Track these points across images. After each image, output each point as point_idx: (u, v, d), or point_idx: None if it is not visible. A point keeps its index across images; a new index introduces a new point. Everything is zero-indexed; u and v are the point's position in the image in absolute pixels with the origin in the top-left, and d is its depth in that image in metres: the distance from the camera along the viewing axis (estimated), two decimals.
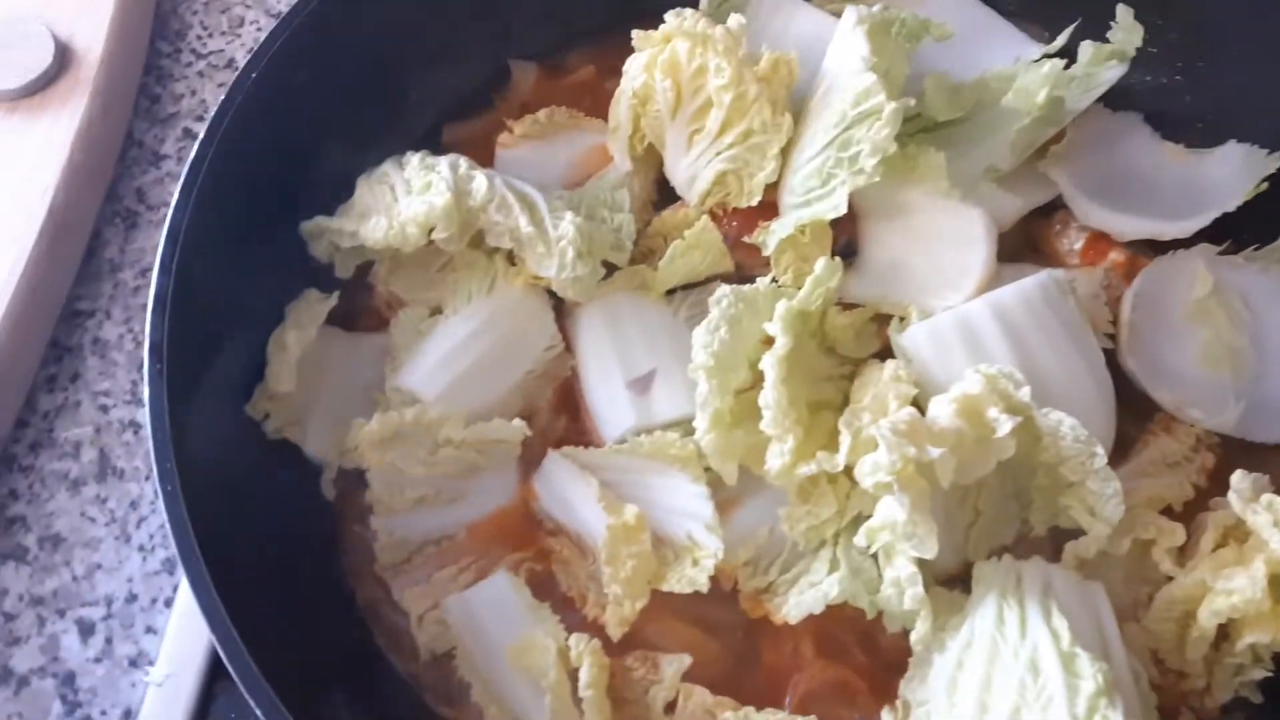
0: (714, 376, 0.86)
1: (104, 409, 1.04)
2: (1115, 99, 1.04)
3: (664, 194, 1.04)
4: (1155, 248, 0.98)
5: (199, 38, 1.26)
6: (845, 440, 0.82)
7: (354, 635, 0.89)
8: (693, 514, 0.87)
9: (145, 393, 0.79)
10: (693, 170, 0.98)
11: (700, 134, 0.95)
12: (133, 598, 0.96)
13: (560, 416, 0.96)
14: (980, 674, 0.75)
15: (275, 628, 0.78)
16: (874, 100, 0.88)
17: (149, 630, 0.94)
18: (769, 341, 0.86)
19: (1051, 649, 0.72)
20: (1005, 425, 0.78)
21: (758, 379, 0.85)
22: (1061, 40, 1.00)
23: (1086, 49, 0.96)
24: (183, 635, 0.93)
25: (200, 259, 0.85)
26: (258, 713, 0.71)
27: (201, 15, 1.28)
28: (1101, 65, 0.95)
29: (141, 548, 0.98)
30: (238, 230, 0.90)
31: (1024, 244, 1.02)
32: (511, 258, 0.96)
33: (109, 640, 0.94)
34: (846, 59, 0.92)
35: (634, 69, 0.96)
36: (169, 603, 0.95)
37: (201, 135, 0.88)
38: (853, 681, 0.85)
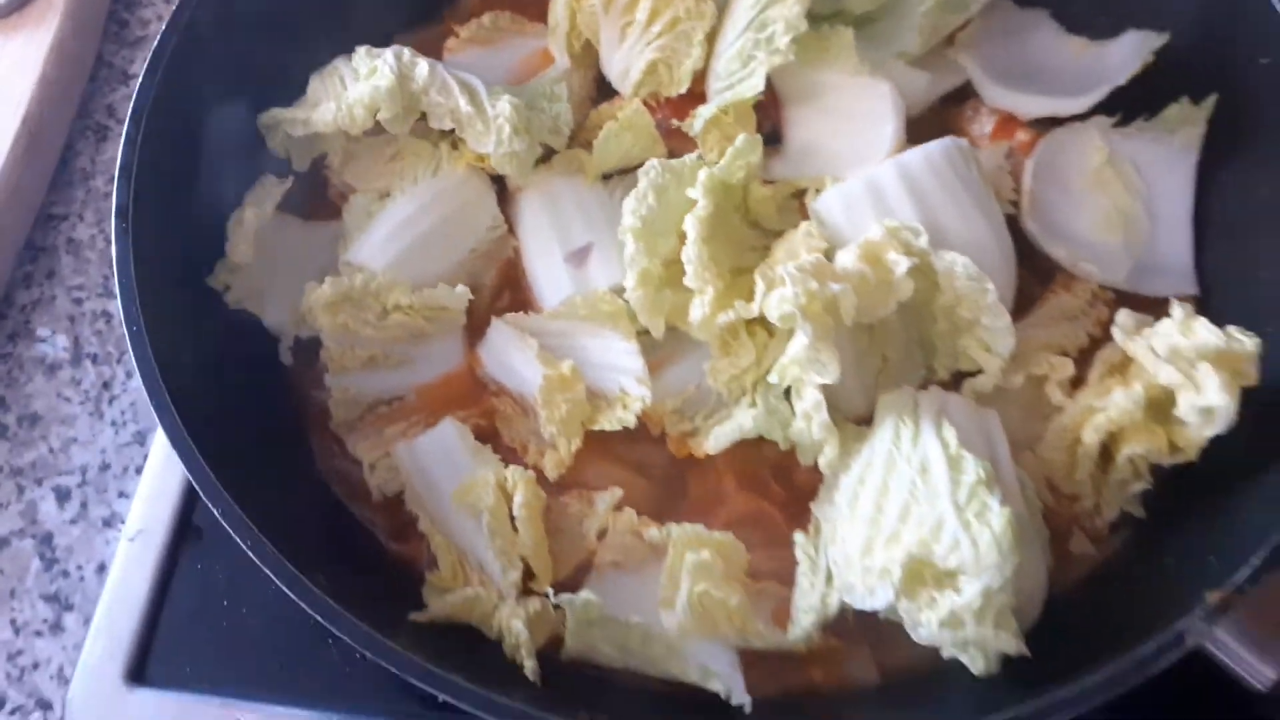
0: (641, 238, 0.93)
1: (78, 301, 1.11)
2: None
3: (603, 92, 1.11)
4: (1057, 126, 1.05)
5: None
6: (760, 287, 0.88)
7: (314, 488, 0.96)
8: (624, 369, 0.94)
9: (113, 251, 0.85)
10: (626, 62, 1.05)
11: (631, 26, 1.02)
12: (105, 466, 1.02)
13: (504, 293, 1.03)
14: (878, 483, 0.82)
15: (245, 475, 0.84)
16: None
17: (121, 495, 1.01)
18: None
19: (940, 453, 0.79)
20: (903, 265, 0.85)
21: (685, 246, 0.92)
22: None
23: None
24: (153, 496, 0.99)
25: (162, 140, 0.92)
26: (237, 540, 0.77)
27: None
28: None
29: (114, 423, 1.04)
30: (198, 118, 0.97)
31: (940, 131, 1.09)
32: (455, 144, 1.03)
33: (84, 504, 1.00)
34: None
35: None
36: (139, 470, 1.02)
37: (163, 29, 0.94)
38: (769, 511, 0.91)
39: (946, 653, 0.78)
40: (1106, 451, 0.88)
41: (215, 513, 0.76)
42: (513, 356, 0.96)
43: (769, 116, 1.05)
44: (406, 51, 0.99)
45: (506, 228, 1.04)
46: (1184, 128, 1.02)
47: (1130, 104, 1.03)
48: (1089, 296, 0.98)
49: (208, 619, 0.95)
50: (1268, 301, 0.95)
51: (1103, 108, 1.03)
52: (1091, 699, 0.71)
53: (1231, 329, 0.81)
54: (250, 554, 0.75)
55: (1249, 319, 0.93)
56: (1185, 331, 0.81)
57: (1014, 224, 0.99)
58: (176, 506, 0.99)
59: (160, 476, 1.00)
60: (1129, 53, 1.05)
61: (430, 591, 0.87)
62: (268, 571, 0.74)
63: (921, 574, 0.77)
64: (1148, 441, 0.84)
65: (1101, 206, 1.01)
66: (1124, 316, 0.88)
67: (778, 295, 0.84)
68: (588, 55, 1.09)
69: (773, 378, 0.88)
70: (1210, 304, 1.00)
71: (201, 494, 0.77)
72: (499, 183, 1.04)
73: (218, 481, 0.78)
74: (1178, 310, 0.82)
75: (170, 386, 0.82)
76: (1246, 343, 0.79)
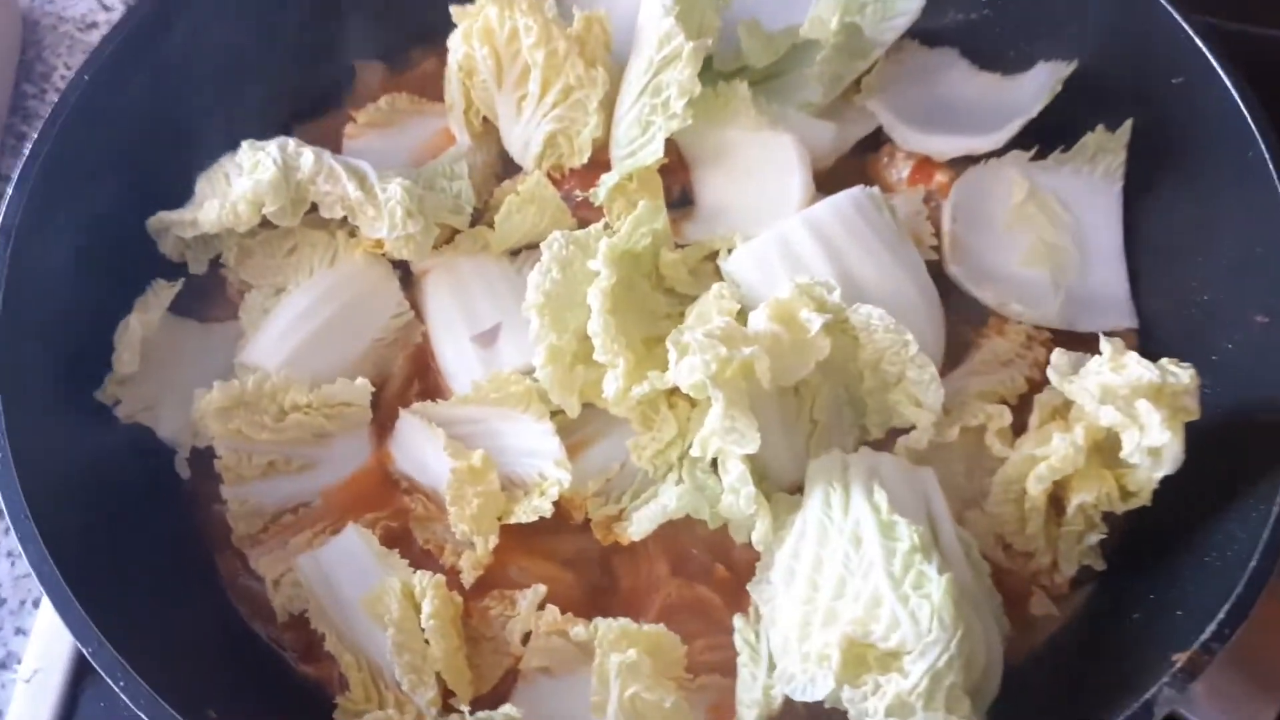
0: (547, 314, 0.88)
1: None
2: (933, 37, 1.10)
3: (510, 168, 1.08)
4: (974, 165, 1.01)
5: (63, 77, 1.30)
6: (673, 355, 0.83)
7: (219, 611, 0.89)
8: (540, 452, 0.88)
9: None
10: (525, 135, 1.01)
11: (526, 99, 0.99)
12: (0, 601, 0.95)
13: (414, 383, 0.98)
14: (811, 557, 0.76)
15: (136, 612, 0.78)
16: (675, 42, 0.92)
17: (18, 632, 0.94)
18: None
19: (871, 520, 0.74)
20: (816, 323, 0.80)
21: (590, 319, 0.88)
22: None
23: None
24: (51, 632, 0.92)
25: (38, 252, 0.87)
26: (125, 701, 0.71)
27: (65, 57, 1.31)
28: None
29: (10, 554, 0.98)
30: (77, 228, 0.92)
31: (858, 179, 1.04)
32: (353, 232, 0.98)
33: None
34: (651, 10, 0.96)
35: (455, 43, 1.00)
36: (37, 603, 0.95)
37: (35, 136, 0.90)
38: (707, 596, 0.85)
39: None
40: (1058, 502, 0.83)
41: (85, 652, 0.69)
42: (423, 449, 0.91)
43: (676, 180, 1.02)
44: (291, 142, 0.95)
45: (412, 313, 0.99)
46: (1104, 155, 0.99)
47: (1047, 136, 1.01)
48: (1024, 339, 0.94)
49: None
50: (1212, 324, 0.91)
51: (1019, 142, 1.00)
52: None
53: (1165, 362, 0.76)
54: (121, 695, 0.68)
55: (1196, 345, 0.90)
56: (1116, 368, 0.76)
57: (938, 269, 0.95)
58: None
59: None
60: (1040, 85, 1.02)
61: (342, 716, 0.80)
62: (141, 715, 0.67)
63: (863, 657, 0.71)
64: (1097, 487, 0.79)
65: (1027, 243, 0.97)
66: (1058, 357, 0.83)
67: (687, 364, 0.79)
68: (489, 132, 1.06)
69: (695, 451, 0.83)
70: (1154, 335, 0.96)
71: (69, 631, 0.70)
72: (403, 268, 1.00)
73: (88, 616, 0.72)
74: (1106, 346, 0.78)
75: (40, 517, 0.76)
76: (1183, 375, 0.75)
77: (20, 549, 0.91)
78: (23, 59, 1.31)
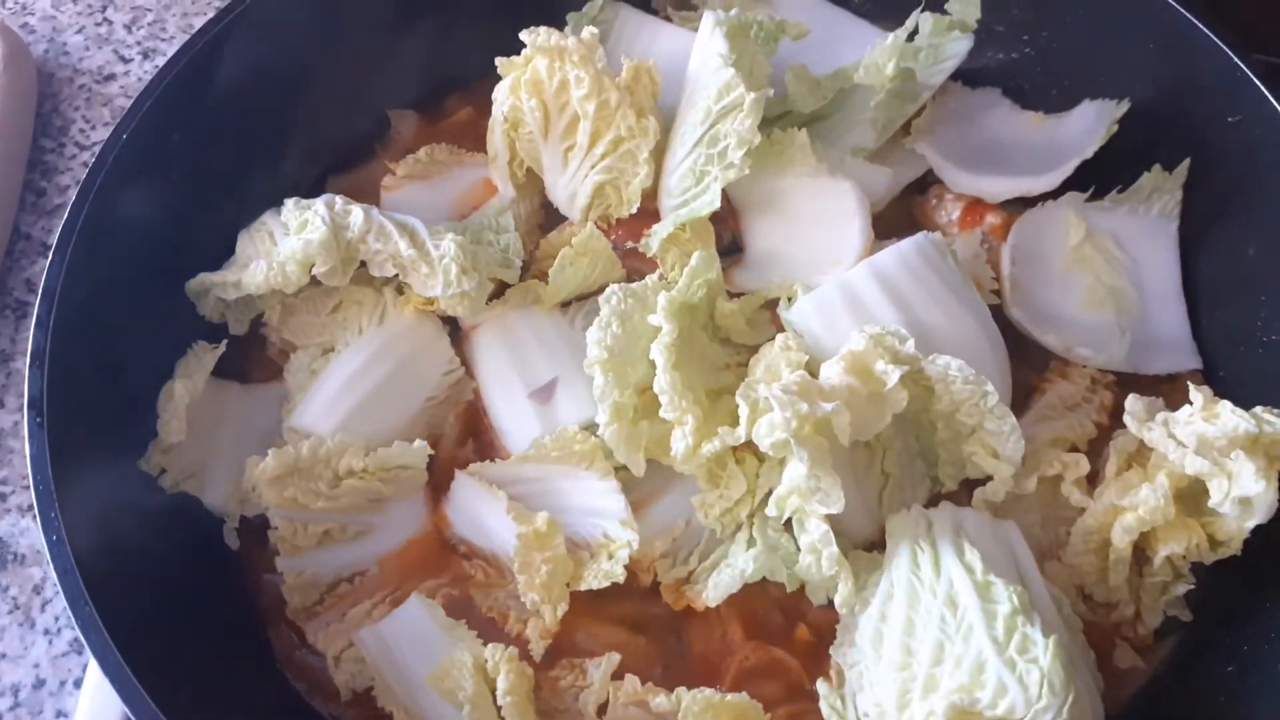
0: (610, 370, 0.86)
1: (1, 496, 1.01)
2: (974, 78, 1.09)
3: (552, 218, 1.06)
4: (1028, 206, 1.00)
5: (81, 131, 1.27)
6: (744, 411, 0.81)
7: (274, 686, 0.85)
8: (605, 511, 0.86)
9: (27, 449, 0.77)
10: (571, 187, 0.99)
11: (573, 150, 0.97)
12: (40, 683, 0.91)
13: (467, 441, 0.95)
14: (902, 620, 0.74)
15: (191, 690, 0.75)
16: (735, 93, 0.90)
17: (59, 715, 0.90)
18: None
19: (966, 581, 0.72)
20: (893, 375, 0.79)
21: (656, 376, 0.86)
22: (911, 22, 1.03)
23: (927, 20, 1.00)
24: (97, 714, 0.88)
25: (78, 316, 0.85)
26: None
27: (84, 110, 1.29)
28: (945, 37, 0.99)
29: (47, 631, 0.94)
30: (118, 289, 0.89)
31: (905, 222, 1.05)
32: (401, 288, 0.96)
33: None
34: (707, 60, 0.95)
35: (501, 94, 0.98)
36: (78, 683, 0.91)
37: (74, 197, 0.88)
38: (784, 660, 0.83)
39: None
40: (1140, 552, 0.81)
41: None
42: (482, 513, 0.88)
43: (727, 227, 1.00)
44: (338, 199, 0.93)
45: (463, 370, 0.96)
46: (1160, 195, 0.98)
47: (1100, 177, 1.00)
48: (1088, 382, 0.93)
49: None
50: (1276, 365, 0.90)
51: (1073, 183, 0.99)
52: None
53: (1259, 411, 0.75)
54: None
55: (1260, 387, 0.89)
56: (1210, 418, 0.75)
57: (998, 314, 0.94)
58: None
59: (104, 689, 0.89)
60: (1090, 124, 1.02)
61: None
62: None
63: None
64: (1185, 538, 0.77)
65: (1086, 285, 0.96)
66: (1134, 403, 0.82)
67: (767, 422, 0.77)
68: (532, 182, 1.04)
69: (771, 510, 0.80)
70: (1216, 376, 0.95)
71: (130, 714, 0.67)
72: (451, 323, 0.98)
73: (154, 703, 0.68)
74: (1197, 396, 0.76)
75: (96, 598, 0.72)
76: (1279, 424, 0.73)
77: (74, 628, 0.89)
78: (39, 112, 1.28)
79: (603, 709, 0.80)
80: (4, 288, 1.15)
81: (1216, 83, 0.93)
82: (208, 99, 0.98)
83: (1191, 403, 0.76)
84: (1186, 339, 0.96)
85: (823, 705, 0.77)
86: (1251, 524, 0.75)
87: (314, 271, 0.90)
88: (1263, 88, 0.91)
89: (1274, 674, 0.71)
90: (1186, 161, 0.98)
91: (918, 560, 0.75)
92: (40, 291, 0.84)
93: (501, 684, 0.76)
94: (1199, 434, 0.74)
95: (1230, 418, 0.74)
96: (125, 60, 1.33)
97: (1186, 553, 0.78)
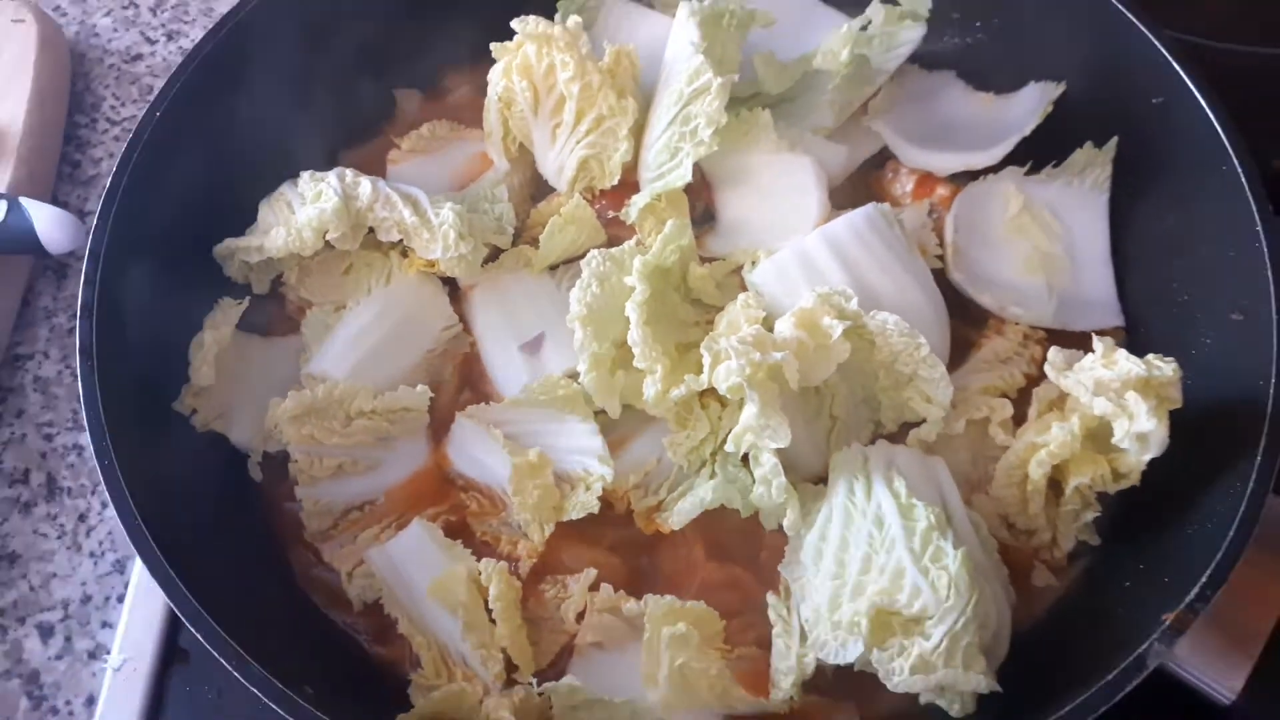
0: (589, 324, 0.96)
1: (48, 438, 1.13)
2: (930, 60, 1.19)
3: (542, 189, 1.16)
4: (975, 180, 1.11)
5: (112, 107, 1.38)
6: (707, 360, 0.92)
7: (295, 598, 0.97)
8: (585, 449, 0.97)
9: (80, 390, 0.88)
10: (559, 160, 1.10)
11: (560, 127, 1.08)
12: (87, 598, 1.03)
13: (464, 389, 1.07)
14: (838, 539, 0.85)
15: (225, 597, 0.86)
16: (704, 78, 1.01)
17: (105, 625, 1.02)
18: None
19: (892, 504, 0.83)
20: (837, 329, 0.89)
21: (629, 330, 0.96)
22: (872, 13, 1.13)
23: (879, 10, 1.10)
24: (137, 624, 1.00)
25: (121, 276, 0.96)
26: (223, 662, 0.79)
27: (114, 88, 1.40)
28: (897, 25, 1.09)
29: (92, 554, 1.06)
30: (153, 251, 1.00)
31: (863, 194, 1.15)
32: (405, 252, 1.07)
33: (68, 638, 1.01)
34: (681, 46, 1.05)
35: (495, 76, 1.09)
36: (121, 599, 1.03)
37: (113, 169, 0.98)
38: (741, 576, 0.94)
39: (924, 698, 0.80)
40: (1056, 484, 0.92)
41: (199, 637, 0.77)
42: (479, 450, 0.99)
43: (701, 198, 1.10)
44: (349, 172, 1.04)
45: (461, 326, 1.07)
46: (1091, 170, 1.08)
47: (1039, 152, 1.10)
48: (1021, 338, 1.03)
49: None
50: (1192, 322, 1.00)
51: (1014, 158, 1.09)
52: None
53: (1151, 357, 0.85)
54: (236, 674, 0.76)
55: (1176, 340, 0.99)
56: (1108, 364, 0.85)
57: (942, 277, 1.04)
58: (161, 632, 1.00)
59: (142, 603, 1.02)
60: (1033, 104, 1.12)
61: (416, 690, 0.89)
62: (255, 690, 0.75)
63: (888, 623, 0.80)
64: (1091, 470, 0.88)
65: (1023, 251, 1.06)
66: (1054, 354, 0.92)
67: (724, 368, 0.88)
68: (524, 156, 1.14)
69: (729, 447, 0.91)
70: (1140, 332, 1.05)
71: (184, 620, 0.78)
72: (450, 284, 1.08)
73: (199, 606, 0.80)
74: (1098, 345, 0.87)
75: (145, 516, 0.84)
76: (1166, 368, 0.84)
77: (115, 551, 1.01)
78: (73, 91, 1.39)
79: (580, 616, 0.92)
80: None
81: (1141, 65, 1.03)
82: (230, 82, 1.08)
83: (1094, 350, 0.87)
84: (1112, 300, 1.06)
85: (770, 613, 0.89)
86: (1148, 457, 0.85)
87: (327, 237, 1.01)
88: (1181, 72, 1.00)
89: (1163, 585, 0.82)
90: (1115, 139, 1.07)
91: (853, 489, 0.86)
92: (86, 254, 0.94)
93: (492, 591, 0.88)
94: (1097, 378, 0.84)
95: (1125, 364, 0.84)
96: (151, 41, 1.44)
97: (1093, 483, 0.88)
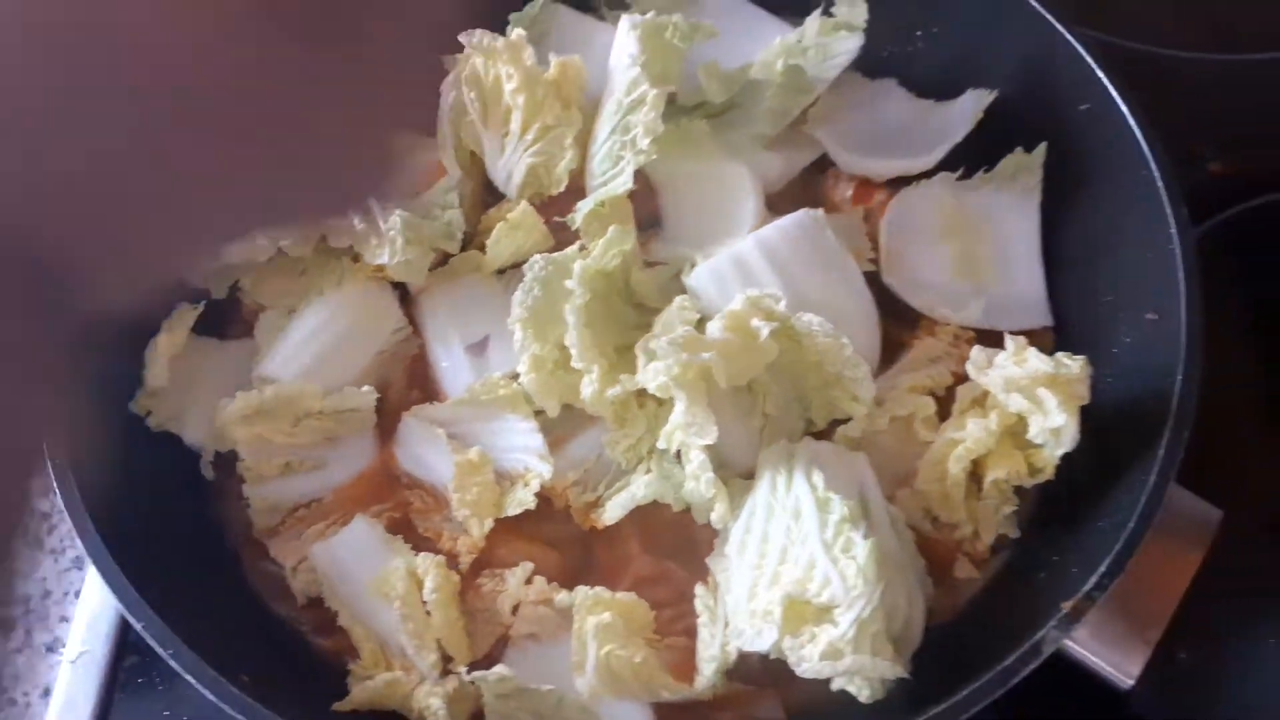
0: (529, 327, 1.00)
1: None
2: (872, 68, 1.22)
3: (495, 196, 1.20)
4: (908, 186, 1.14)
5: None
6: (641, 361, 0.95)
7: (242, 590, 1.00)
8: (525, 447, 1.00)
9: None
10: (508, 168, 1.13)
11: (508, 136, 1.11)
12: (47, 594, 1.07)
13: (412, 390, 1.10)
14: (760, 531, 0.88)
15: (173, 593, 0.89)
16: (640, 89, 1.04)
17: (63, 619, 1.05)
18: None
19: (810, 497, 0.86)
20: (764, 330, 0.92)
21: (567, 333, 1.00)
22: (808, 24, 1.17)
23: (813, 22, 1.13)
24: (93, 618, 1.04)
25: None
26: (170, 662, 0.82)
27: None
28: (832, 36, 1.12)
29: (53, 551, 1.09)
30: None
31: (808, 199, 1.17)
32: (357, 257, 1.11)
33: (28, 632, 1.04)
34: (620, 59, 1.09)
35: (447, 88, 1.12)
36: (79, 594, 1.06)
37: None
38: (673, 570, 0.97)
39: (835, 685, 0.83)
40: (978, 479, 0.95)
41: (135, 624, 0.81)
42: (424, 448, 1.03)
43: (645, 205, 1.14)
44: None
45: (410, 329, 1.11)
46: (1022, 175, 1.11)
47: (972, 158, 1.13)
48: (951, 338, 1.06)
49: None
50: (1114, 321, 1.03)
51: (948, 164, 1.13)
52: (962, 711, 0.77)
53: (1060, 355, 0.88)
54: (171, 661, 0.79)
55: (1100, 339, 1.02)
56: (1019, 361, 0.88)
57: (876, 279, 1.07)
58: (115, 625, 1.03)
59: (98, 598, 1.05)
60: (967, 111, 1.15)
61: (354, 680, 0.92)
62: (188, 677, 0.79)
63: (801, 612, 0.82)
64: (1008, 465, 0.91)
65: (954, 254, 1.09)
66: (976, 353, 0.96)
67: (652, 368, 0.91)
68: (475, 165, 1.17)
69: (661, 444, 0.95)
70: (1067, 332, 1.08)
71: (122, 607, 0.82)
72: (401, 287, 1.12)
73: (141, 598, 0.83)
74: (1010, 343, 0.90)
75: (95, 517, 0.87)
76: (1073, 365, 0.87)
77: (75, 545, 1.04)
78: None
79: (516, 609, 0.95)
80: None
81: (1069, 74, 1.06)
82: None
83: (1006, 349, 0.90)
84: (1042, 300, 1.09)
85: (697, 604, 0.92)
86: (1060, 452, 0.89)
87: (279, 244, 1.05)
88: (1105, 81, 1.03)
89: (1070, 575, 0.85)
90: (1043, 145, 1.11)
91: (775, 483, 0.89)
92: None
93: (428, 584, 0.91)
94: (1007, 376, 0.88)
95: (1034, 361, 0.87)
96: None
97: (1010, 478, 0.91)
